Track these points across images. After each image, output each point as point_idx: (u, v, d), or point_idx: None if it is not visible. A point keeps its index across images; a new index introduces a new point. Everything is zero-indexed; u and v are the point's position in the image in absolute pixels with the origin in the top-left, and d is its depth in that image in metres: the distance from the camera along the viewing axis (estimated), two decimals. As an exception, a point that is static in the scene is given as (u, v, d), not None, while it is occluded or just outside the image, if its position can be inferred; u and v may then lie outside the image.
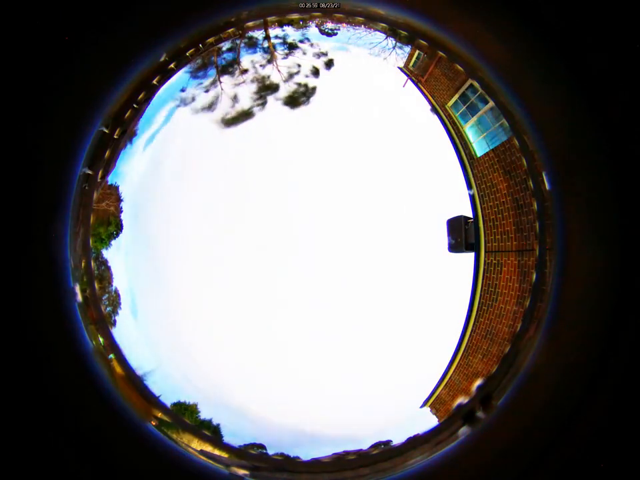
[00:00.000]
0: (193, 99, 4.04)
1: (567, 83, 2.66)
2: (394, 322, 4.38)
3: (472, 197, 4.08)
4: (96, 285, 3.18)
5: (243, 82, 4.16)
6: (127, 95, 3.01)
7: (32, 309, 2.59)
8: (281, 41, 4.00)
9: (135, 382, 3.21)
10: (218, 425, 3.53)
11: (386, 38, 3.69)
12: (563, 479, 2.57)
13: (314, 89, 4.30)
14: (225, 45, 3.79)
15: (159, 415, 3.20)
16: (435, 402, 3.80)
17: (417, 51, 3.90)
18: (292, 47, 4.07)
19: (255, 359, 4.29)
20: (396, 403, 4.02)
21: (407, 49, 3.87)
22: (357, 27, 3.67)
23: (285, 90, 4.27)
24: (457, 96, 4.01)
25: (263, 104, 4.27)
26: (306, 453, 3.24)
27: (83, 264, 3.06)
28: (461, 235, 4.07)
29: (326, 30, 3.91)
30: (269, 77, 4.22)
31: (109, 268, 3.66)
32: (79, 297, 2.87)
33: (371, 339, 4.37)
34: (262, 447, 3.33)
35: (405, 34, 3.45)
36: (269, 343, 4.36)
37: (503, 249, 3.85)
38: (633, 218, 2.57)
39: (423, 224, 4.29)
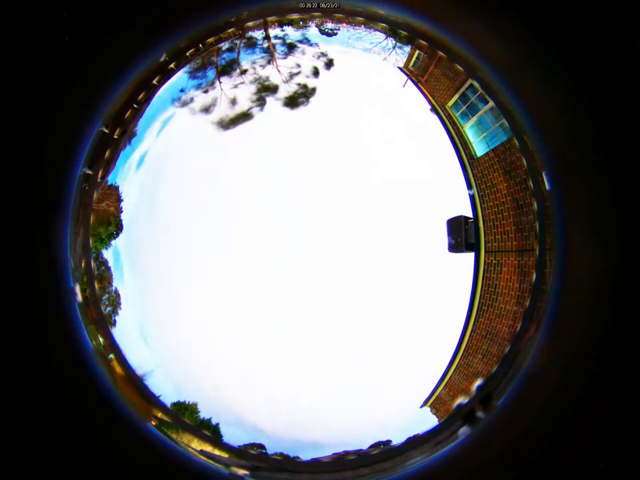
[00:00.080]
0: (192, 100, 4.04)
1: (566, 83, 2.66)
2: (394, 322, 4.38)
3: (472, 197, 4.08)
4: (96, 285, 3.18)
5: (243, 82, 4.16)
6: (127, 95, 3.02)
7: (32, 309, 2.59)
8: (280, 41, 3.99)
9: (135, 382, 3.21)
10: (218, 424, 3.53)
11: (386, 38, 3.69)
12: (562, 479, 2.57)
13: (314, 89, 4.30)
14: (225, 45, 3.79)
15: (159, 414, 3.20)
16: (435, 402, 3.80)
17: (417, 51, 3.90)
18: (292, 47, 4.07)
19: (255, 359, 4.29)
20: (396, 403, 4.02)
21: (407, 48, 3.87)
22: (357, 27, 3.67)
23: (285, 90, 4.27)
24: (456, 96, 4.01)
25: (262, 104, 4.27)
26: (306, 453, 3.24)
27: (83, 264, 3.06)
28: (461, 235, 4.07)
29: (326, 30, 3.91)
30: (268, 77, 4.22)
31: (108, 268, 3.66)
32: (79, 297, 2.87)
33: (371, 338, 4.36)
34: (262, 447, 3.33)
35: (404, 34, 3.46)
36: (269, 343, 4.36)
37: (503, 249, 3.85)
38: (633, 218, 2.57)
39: (423, 224, 4.29)
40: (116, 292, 3.67)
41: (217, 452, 3.14)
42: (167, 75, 3.46)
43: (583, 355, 2.62)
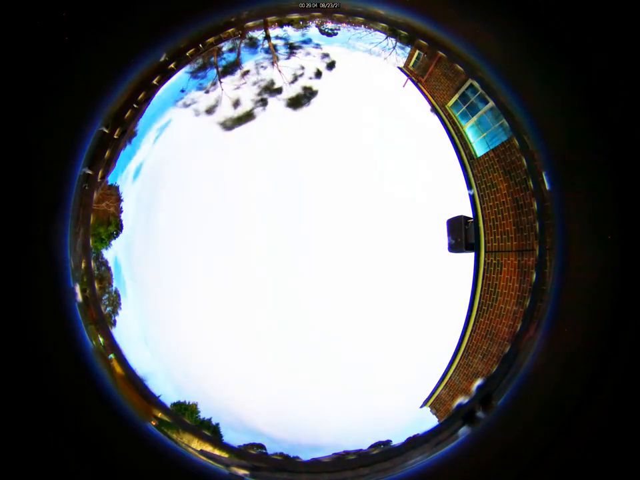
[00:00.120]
0: (193, 100, 4.04)
1: (567, 83, 2.66)
2: (394, 322, 4.38)
3: (472, 197, 4.08)
4: (96, 285, 3.18)
5: (244, 83, 4.16)
6: (127, 95, 3.01)
7: (32, 309, 2.59)
8: (281, 41, 3.99)
9: (135, 382, 3.21)
10: (218, 424, 3.53)
11: (386, 38, 3.69)
12: (562, 479, 2.57)
13: (315, 89, 4.30)
14: (225, 45, 3.79)
15: (159, 414, 3.21)
16: (435, 402, 3.80)
17: (417, 51, 3.90)
18: (292, 47, 4.07)
19: (255, 359, 4.29)
20: (396, 403, 4.02)
21: (407, 49, 3.87)
22: (357, 27, 3.67)
23: (286, 91, 4.27)
24: (456, 96, 4.01)
25: (264, 105, 4.28)
26: (306, 453, 3.24)
27: (83, 264, 3.06)
28: (460, 235, 4.07)
29: (326, 30, 3.91)
30: (269, 77, 4.22)
31: (109, 268, 3.66)
32: (79, 297, 2.87)
33: (371, 338, 4.37)
34: (262, 447, 3.33)
35: (405, 34, 3.45)
36: (269, 343, 4.36)
37: (503, 249, 3.85)
38: (633, 218, 2.57)
39: (423, 224, 4.29)
40: (116, 292, 3.67)
41: (217, 452, 3.14)
42: (167, 75, 3.46)
43: (583, 355, 2.62)
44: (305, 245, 4.38)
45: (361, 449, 3.27)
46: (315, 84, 4.29)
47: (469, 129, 4.12)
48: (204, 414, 3.57)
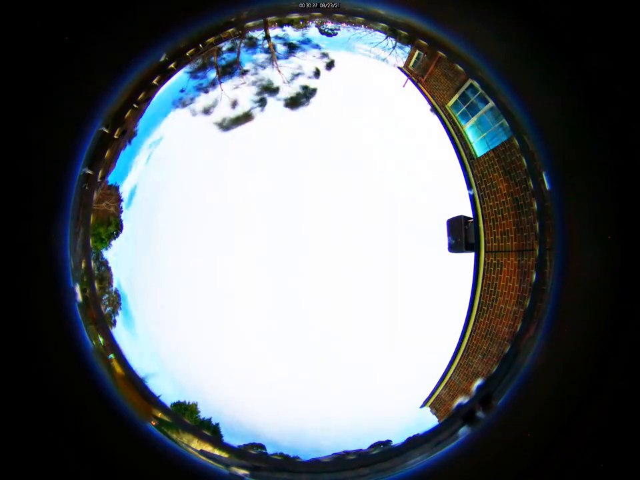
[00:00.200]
0: (193, 100, 4.04)
1: (566, 82, 2.66)
2: (394, 322, 4.38)
3: (472, 197, 4.08)
4: (96, 285, 3.18)
5: (243, 83, 4.16)
6: (127, 95, 3.02)
7: (32, 309, 2.59)
8: (281, 41, 3.99)
9: (135, 382, 3.21)
10: (218, 424, 3.53)
11: (386, 38, 3.69)
12: (562, 479, 2.57)
13: (314, 89, 4.30)
14: (225, 45, 3.79)
15: (159, 414, 3.20)
16: (435, 402, 3.80)
17: (417, 51, 3.90)
18: (292, 47, 4.07)
19: (255, 359, 4.29)
20: (396, 403, 4.02)
21: (407, 48, 3.87)
22: (357, 27, 3.67)
23: (285, 90, 4.27)
24: (456, 96, 4.01)
25: (263, 105, 4.27)
26: (306, 453, 3.24)
27: (83, 264, 3.06)
28: (460, 234, 4.07)
29: (326, 30, 3.91)
30: (268, 77, 4.22)
31: (109, 268, 3.66)
32: (79, 297, 2.87)
33: (371, 338, 4.36)
34: (262, 447, 3.33)
35: (405, 34, 3.46)
36: (269, 343, 4.36)
37: (503, 249, 3.85)
38: (633, 218, 2.57)
39: (423, 224, 4.29)
40: (116, 292, 3.67)
41: (216, 452, 3.14)
42: (167, 74, 3.46)
43: (583, 355, 2.62)
44: (304, 244, 4.38)
45: (361, 449, 3.27)
46: (314, 84, 4.29)
47: (469, 129, 4.12)
48: (204, 414, 3.57)
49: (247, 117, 4.28)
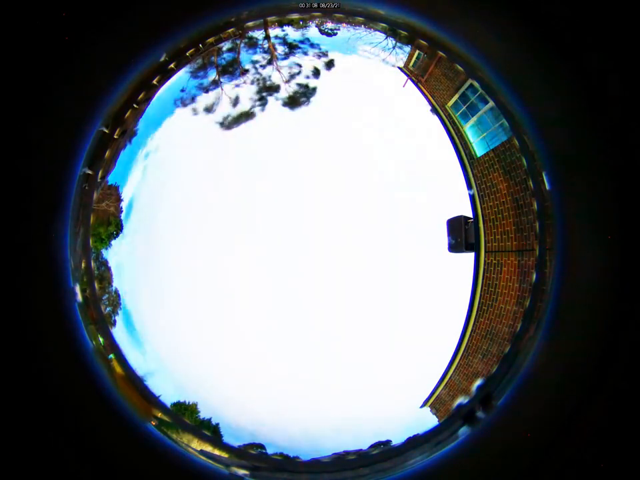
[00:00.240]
0: (193, 100, 4.04)
1: (566, 82, 2.66)
2: (394, 322, 4.38)
3: (472, 197, 4.08)
4: (96, 285, 3.18)
5: (243, 82, 4.16)
6: (127, 95, 3.01)
7: (32, 309, 2.59)
8: (281, 41, 3.99)
9: (135, 382, 3.21)
10: (218, 424, 3.53)
11: (386, 38, 3.69)
12: (562, 479, 2.57)
13: (314, 89, 4.30)
14: (225, 45, 3.78)
15: (159, 414, 3.20)
16: (435, 402, 3.80)
17: (417, 51, 3.90)
18: (292, 47, 4.07)
19: (255, 359, 4.29)
20: (396, 403, 4.02)
21: (407, 48, 3.87)
22: (357, 27, 3.67)
23: (285, 90, 4.27)
24: (456, 96, 4.01)
25: (263, 104, 4.27)
26: (306, 453, 3.24)
27: (83, 264, 3.06)
28: (460, 234, 4.07)
29: (326, 30, 3.91)
30: (269, 77, 4.22)
31: (109, 268, 3.66)
32: (79, 297, 2.87)
33: (371, 338, 4.36)
34: (262, 447, 3.33)
35: (405, 34, 3.45)
36: (269, 342, 4.36)
37: (503, 249, 3.85)
38: (633, 218, 2.57)
39: (423, 224, 4.29)
40: (116, 292, 3.67)
41: (216, 452, 3.14)
42: (167, 74, 3.46)
43: (583, 355, 2.62)
44: (304, 244, 4.38)
45: (361, 449, 3.27)
46: (314, 83, 4.29)
47: (468, 129, 4.11)
48: (204, 414, 3.57)
49: (247, 117, 4.28)
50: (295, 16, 3.62)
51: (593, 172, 2.64)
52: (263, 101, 4.27)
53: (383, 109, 4.37)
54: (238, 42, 3.81)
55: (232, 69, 4.07)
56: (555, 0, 2.59)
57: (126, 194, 3.81)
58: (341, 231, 4.42)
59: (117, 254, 3.75)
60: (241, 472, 3.04)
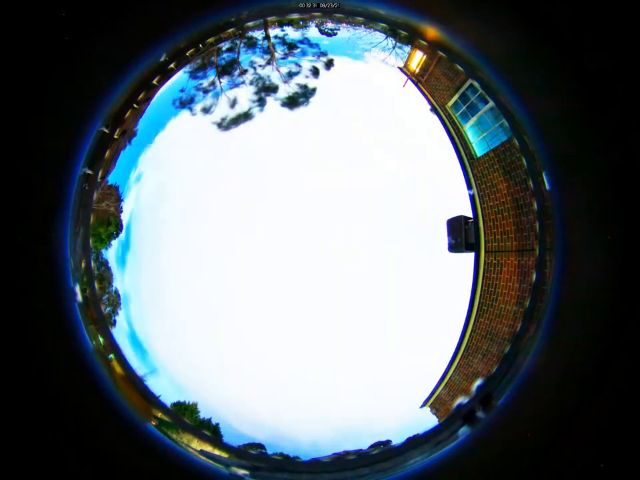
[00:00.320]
0: (192, 100, 4.04)
1: (566, 83, 2.66)
2: (394, 322, 4.38)
3: (472, 197, 4.08)
4: (96, 285, 3.18)
5: (243, 82, 4.16)
6: (127, 95, 3.02)
7: (32, 309, 2.59)
8: (280, 41, 3.99)
9: (135, 382, 3.21)
10: (218, 424, 3.53)
11: (386, 38, 3.69)
12: (562, 479, 2.57)
13: (313, 89, 4.30)
14: (225, 45, 3.79)
15: (159, 414, 3.20)
16: (435, 402, 3.80)
17: (417, 51, 3.90)
18: (292, 47, 4.07)
19: (255, 359, 4.29)
20: (396, 403, 4.02)
21: (407, 48, 3.87)
22: (357, 27, 3.67)
23: (285, 90, 4.27)
24: (456, 96, 4.01)
25: (262, 105, 4.27)
26: (306, 453, 3.24)
27: (83, 264, 3.06)
28: (460, 235, 4.07)
29: (326, 30, 3.91)
30: (268, 77, 4.22)
31: (109, 268, 3.66)
32: (79, 297, 2.87)
33: (371, 339, 4.37)
34: (262, 446, 3.33)
35: (404, 34, 3.45)
36: (269, 343, 4.36)
37: (503, 249, 3.85)
38: (633, 218, 2.57)
39: (423, 224, 4.29)
40: (116, 292, 3.67)
41: (216, 452, 3.14)
42: (167, 74, 3.46)
43: (583, 355, 2.62)
44: (304, 244, 4.38)
45: (361, 449, 3.27)
46: (314, 83, 4.29)
47: (469, 129, 4.12)
48: (204, 414, 3.57)
49: (246, 117, 4.28)
50: (294, 16, 3.62)
51: (593, 172, 2.64)
52: (262, 101, 4.27)
53: (382, 109, 4.37)
54: (238, 42, 3.81)
55: (231, 69, 4.07)
56: (555, 0, 2.59)
57: (126, 193, 3.81)
58: (341, 230, 4.42)
59: (117, 253, 3.75)
60: (241, 472, 3.04)
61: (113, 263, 3.70)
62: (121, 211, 3.82)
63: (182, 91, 3.93)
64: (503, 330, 3.70)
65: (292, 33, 3.93)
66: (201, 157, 4.41)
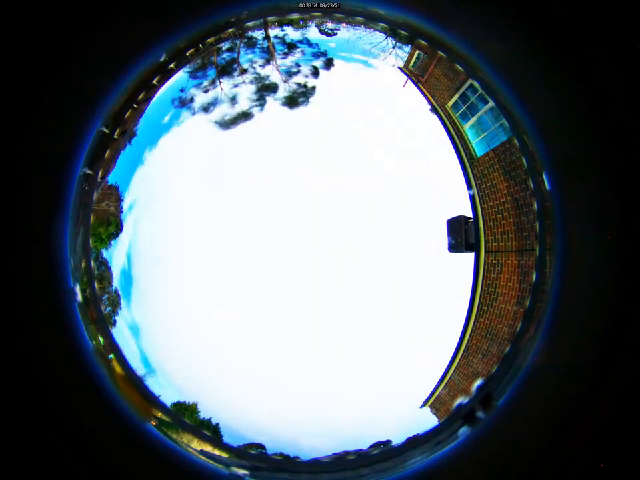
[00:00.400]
0: (192, 100, 4.04)
1: (567, 82, 2.66)
2: (394, 322, 4.38)
3: (472, 197, 4.08)
4: (96, 285, 3.18)
5: (243, 82, 4.16)
6: (127, 95, 3.01)
7: (32, 309, 2.59)
8: (280, 41, 3.99)
9: (135, 382, 3.21)
10: (218, 424, 3.53)
11: (386, 38, 3.69)
12: (562, 479, 2.57)
13: (313, 89, 4.30)
14: (225, 45, 3.79)
15: (159, 415, 3.20)
16: (435, 402, 3.80)
17: (417, 51, 3.90)
18: (291, 47, 4.07)
19: (255, 358, 4.29)
20: (396, 403, 4.02)
21: (407, 48, 3.87)
22: (357, 27, 3.67)
23: (285, 90, 4.27)
24: (456, 96, 4.01)
25: (262, 104, 4.27)
26: (306, 453, 3.24)
27: (83, 264, 3.06)
28: (461, 234, 4.07)
29: (326, 30, 3.91)
30: (268, 77, 4.22)
31: (109, 268, 3.66)
32: (79, 297, 2.87)
33: (371, 339, 4.36)
34: (262, 447, 3.33)
35: (405, 34, 3.45)
36: (269, 343, 4.36)
37: (503, 249, 3.85)
38: (633, 218, 2.57)
39: (423, 224, 4.29)
40: (116, 292, 3.67)
41: (216, 452, 3.14)
42: (167, 74, 3.46)
43: (583, 355, 2.62)
44: (303, 244, 4.38)
45: (361, 449, 3.27)
46: (313, 83, 4.29)
47: (468, 129, 4.11)
48: (204, 414, 3.57)
49: (245, 117, 4.28)
50: (294, 16, 3.62)
51: (593, 172, 2.64)
52: (262, 101, 4.27)
53: (382, 108, 4.37)
54: (238, 42, 3.81)
55: (231, 69, 4.07)
56: (555, 0, 2.59)
57: (126, 193, 3.81)
58: (341, 230, 4.42)
59: (117, 253, 3.75)
60: (241, 472, 3.04)
61: (112, 262, 3.70)
62: (121, 211, 3.82)
63: (182, 90, 3.93)
64: (502, 330, 3.70)
65: (292, 33, 3.93)
66: (201, 156, 4.41)
